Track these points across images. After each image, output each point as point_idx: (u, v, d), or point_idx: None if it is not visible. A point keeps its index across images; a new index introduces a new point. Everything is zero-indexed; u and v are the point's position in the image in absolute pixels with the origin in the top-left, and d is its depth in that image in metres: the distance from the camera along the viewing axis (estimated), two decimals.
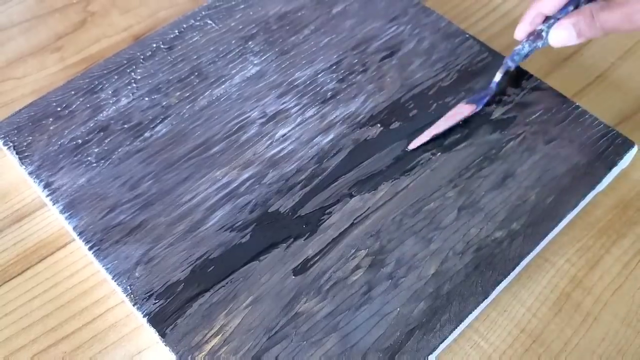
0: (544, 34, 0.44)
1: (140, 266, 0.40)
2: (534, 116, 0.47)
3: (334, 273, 0.40)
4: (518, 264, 0.41)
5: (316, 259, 0.41)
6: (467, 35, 0.52)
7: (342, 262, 0.40)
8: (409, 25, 0.53)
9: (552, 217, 0.42)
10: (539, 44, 0.45)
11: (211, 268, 0.40)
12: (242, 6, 0.54)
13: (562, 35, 0.42)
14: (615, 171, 0.45)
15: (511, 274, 0.41)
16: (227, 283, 0.40)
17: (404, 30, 0.52)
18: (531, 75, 0.49)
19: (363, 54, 0.51)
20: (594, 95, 0.51)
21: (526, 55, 0.46)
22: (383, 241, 0.41)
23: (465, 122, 0.46)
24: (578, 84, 0.52)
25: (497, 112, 0.47)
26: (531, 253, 0.41)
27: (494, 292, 0.40)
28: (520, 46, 0.46)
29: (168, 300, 0.39)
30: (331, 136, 0.46)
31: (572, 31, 0.42)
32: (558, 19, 0.43)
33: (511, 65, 0.47)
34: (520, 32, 0.46)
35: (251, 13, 0.54)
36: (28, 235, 0.45)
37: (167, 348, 0.37)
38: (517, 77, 0.49)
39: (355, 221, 0.42)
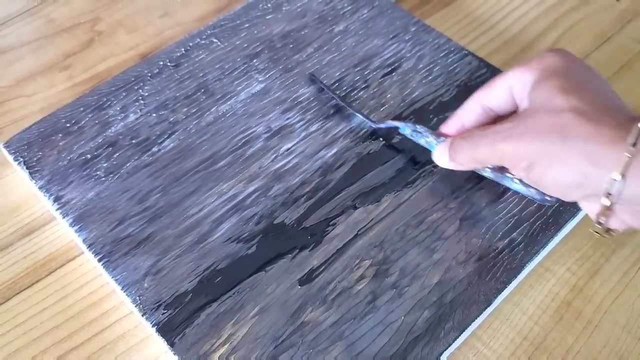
0: (429, 140, 0.43)
1: (149, 277, 0.41)
2: None
3: (339, 283, 0.41)
4: (519, 272, 0.42)
5: (321, 269, 0.41)
6: (466, 52, 0.53)
7: (346, 272, 0.41)
8: (409, 43, 0.54)
9: (552, 227, 0.43)
10: (421, 140, 0.44)
11: (218, 279, 0.41)
12: (247, 25, 0.56)
13: (438, 156, 0.42)
14: None
15: (513, 282, 0.41)
16: (234, 293, 0.40)
17: (404, 48, 0.54)
18: None
19: (365, 71, 0.52)
20: None
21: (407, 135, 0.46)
22: (387, 251, 0.42)
23: None
24: None
25: None
26: (532, 262, 0.42)
27: (496, 300, 0.41)
28: (412, 128, 0.45)
29: (176, 310, 0.40)
30: (335, 150, 0.47)
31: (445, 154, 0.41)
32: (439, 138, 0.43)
33: (379, 126, 0.47)
34: (448, 125, 0.43)
35: (256, 32, 0.55)
36: (38, 249, 0.45)
37: (176, 357, 0.38)
38: None
39: (359, 232, 0.43)
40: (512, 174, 0.40)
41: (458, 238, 0.43)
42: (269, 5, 0.57)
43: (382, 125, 0.47)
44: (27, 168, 0.47)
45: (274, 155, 0.47)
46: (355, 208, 0.44)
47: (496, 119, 0.40)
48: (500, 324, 0.42)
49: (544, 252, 0.43)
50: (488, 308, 0.40)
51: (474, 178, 0.45)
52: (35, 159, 0.47)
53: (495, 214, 0.44)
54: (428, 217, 0.44)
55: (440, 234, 0.43)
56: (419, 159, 0.46)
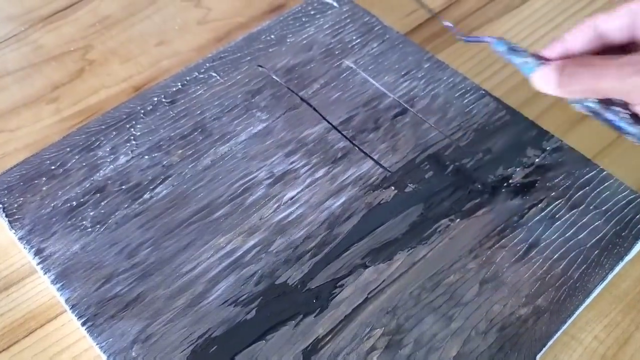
0: (527, 60, 0.38)
1: (137, 345, 0.37)
2: (556, 180, 0.44)
3: (348, 355, 0.37)
4: (545, 344, 0.38)
5: (328, 338, 0.38)
6: (482, 92, 0.50)
7: (356, 342, 0.37)
8: (422, 81, 0.50)
9: (579, 292, 0.40)
10: (517, 60, 0.39)
11: (213, 348, 0.37)
12: (249, 58, 0.52)
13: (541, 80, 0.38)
14: None
15: (538, 356, 0.38)
16: None
17: (417, 86, 0.50)
18: (552, 136, 0.47)
19: (375, 110, 0.49)
20: (616, 155, 0.49)
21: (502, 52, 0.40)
22: (400, 319, 0.38)
23: (485, 186, 0.44)
24: (599, 144, 0.50)
25: (518, 176, 0.44)
26: (559, 332, 0.39)
27: None
28: (508, 45, 0.39)
29: None
30: (343, 199, 0.44)
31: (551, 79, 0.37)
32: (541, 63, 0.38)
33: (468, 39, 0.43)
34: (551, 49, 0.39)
35: (257, 66, 0.51)
36: (16, 306, 0.42)
37: None
38: (537, 137, 0.47)
39: (369, 295, 0.39)
40: (622, 109, 0.37)
41: (478, 304, 0.39)
42: (272, 36, 0.54)
43: (471, 39, 0.43)
44: (6, 216, 0.43)
45: (277, 205, 0.43)
46: (365, 267, 0.41)
47: (604, 50, 0.38)
48: None
49: (570, 320, 0.40)
50: None
51: (494, 235, 0.42)
52: (15, 205, 0.43)
53: (518, 276, 0.40)
54: (445, 280, 0.40)
55: (459, 299, 0.39)
56: (434, 211, 0.43)
